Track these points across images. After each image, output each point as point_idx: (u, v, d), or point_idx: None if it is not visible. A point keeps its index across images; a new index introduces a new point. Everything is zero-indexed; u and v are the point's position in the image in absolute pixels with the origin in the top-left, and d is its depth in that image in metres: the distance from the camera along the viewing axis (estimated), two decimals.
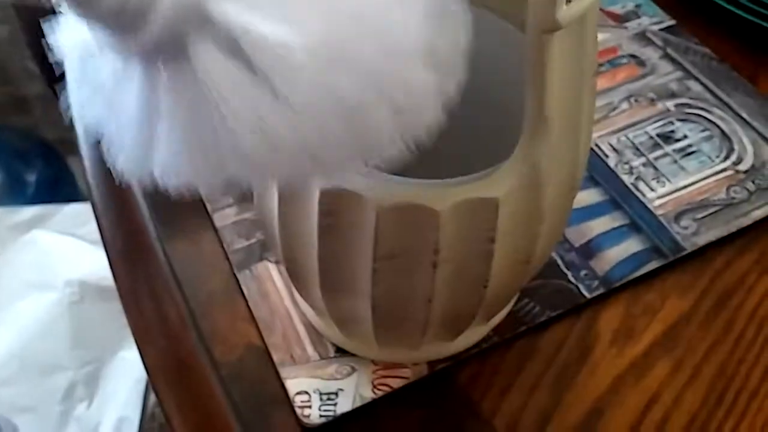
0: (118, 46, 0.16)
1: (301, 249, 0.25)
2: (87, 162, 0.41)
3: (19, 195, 0.93)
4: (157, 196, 0.38)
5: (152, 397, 0.59)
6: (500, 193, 0.22)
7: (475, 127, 0.28)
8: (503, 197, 0.22)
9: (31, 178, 0.96)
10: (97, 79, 0.18)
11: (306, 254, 0.25)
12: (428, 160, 0.30)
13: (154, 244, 0.36)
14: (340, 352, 0.31)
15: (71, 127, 0.42)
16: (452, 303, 0.25)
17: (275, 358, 0.31)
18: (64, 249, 0.66)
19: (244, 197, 0.37)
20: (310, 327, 0.32)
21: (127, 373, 0.61)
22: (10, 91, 1.08)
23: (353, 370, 0.31)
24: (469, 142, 0.28)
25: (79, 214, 0.70)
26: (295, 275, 0.27)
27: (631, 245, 0.35)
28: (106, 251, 0.37)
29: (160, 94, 0.16)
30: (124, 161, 0.18)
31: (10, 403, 0.60)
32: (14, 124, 1.08)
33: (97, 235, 0.39)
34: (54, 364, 0.61)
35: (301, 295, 0.29)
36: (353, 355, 0.31)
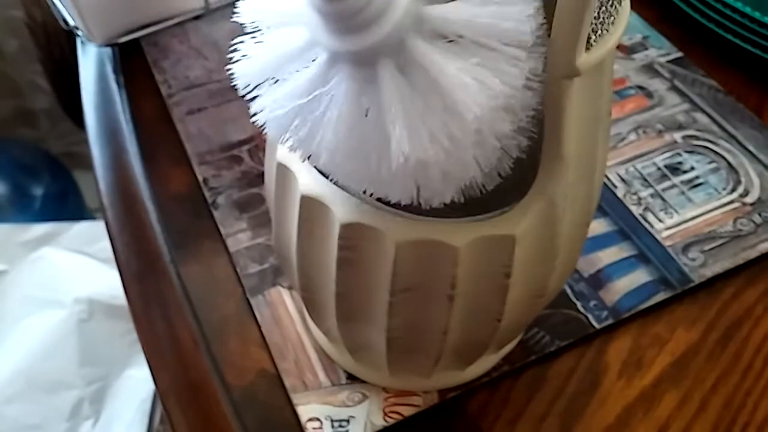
0: (338, 44, 0.18)
1: (319, 279, 0.26)
2: (102, 184, 0.41)
3: (26, 209, 0.94)
4: (171, 220, 0.38)
5: (158, 416, 0.59)
6: (517, 230, 0.22)
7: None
8: (520, 234, 0.22)
9: (38, 192, 0.96)
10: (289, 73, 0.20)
11: (323, 285, 0.25)
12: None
13: (168, 268, 0.36)
14: (352, 378, 0.32)
15: (80, 142, 0.42)
16: (466, 335, 0.26)
17: (287, 383, 0.32)
18: (74, 267, 0.66)
19: (258, 223, 0.37)
20: (322, 353, 0.33)
21: (133, 392, 0.61)
22: (18, 104, 1.09)
23: (365, 397, 0.31)
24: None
25: (89, 232, 0.71)
26: (310, 304, 0.28)
27: (640, 276, 0.36)
28: (120, 273, 0.38)
29: (364, 91, 0.19)
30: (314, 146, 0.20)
31: (16, 421, 0.60)
32: (21, 137, 1.09)
33: (106, 253, 0.39)
34: (61, 382, 0.61)
35: (315, 322, 0.30)
36: (364, 382, 0.32)
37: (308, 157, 0.21)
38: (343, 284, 0.25)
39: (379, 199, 0.23)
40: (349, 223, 0.23)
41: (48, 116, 1.14)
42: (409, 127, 0.18)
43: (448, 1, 0.18)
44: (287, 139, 0.21)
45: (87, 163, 0.43)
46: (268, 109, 0.20)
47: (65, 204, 0.98)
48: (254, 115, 0.21)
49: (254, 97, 0.21)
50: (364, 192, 0.22)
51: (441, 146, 0.18)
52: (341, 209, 0.23)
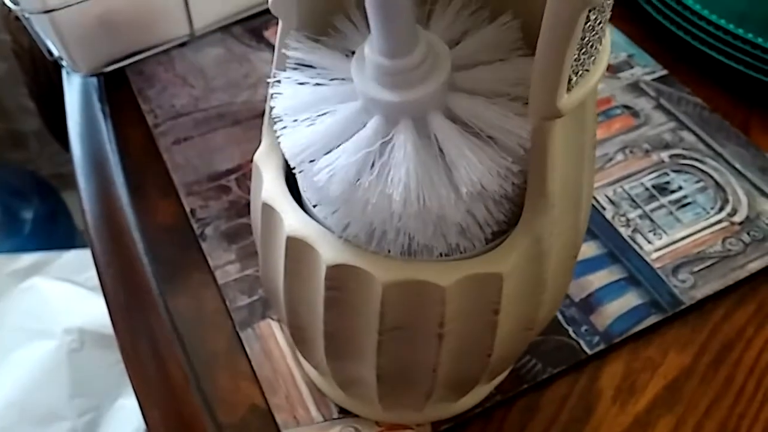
0: (394, 97, 0.21)
1: (307, 318, 0.25)
2: (89, 215, 0.41)
3: (15, 233, 0.93)
4: (159, 252, 0.38)
5: None
6: (504, 268, 0.22)
7: None
8: (507, 272, 0.22)
9: (28, 215, 0.96)
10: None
11: (311, 323, 0.25)
12: None
13: (156, 301, 0.36)
14: (344, 412, 0.32)
15: (69, 163, 0.42)
16: (457, 371, 0.26)
17: (278, 419, 0.31)
18: (63, 296, 0.66)
19: (247, 254, 0.37)
20: (313, 387, 0.32)
21: (126, 422, 0.60)
22: (7, 126, 1.09)
23: (357, 431, 0.31)
24: None
25: (78, 260, 0.70)
26: (299, 341, 0.27)
27: (631, 299, 0.36)
28: (108, 307, 0.37)
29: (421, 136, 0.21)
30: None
31: None
32: (10, 159, 1.08)
33: (96, 282, 0.39)
34: (53, 413, 0.61)
35: (304, 358, 0.30)
36: (357, 416, 0.31)
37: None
38: (331, 324, 0.25)
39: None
40: (336, 265, 0.23)
41: (37, 138, 1.14)
42: (467, 161, 0.20)
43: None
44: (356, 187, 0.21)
45: (76, 185, 0.42)
46: (331, 166, 0.21)
47: (55, 226, 0.97)
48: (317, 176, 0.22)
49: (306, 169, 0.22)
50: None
51: (493, 176, 0.20)
52: (327, 250, 0.23)
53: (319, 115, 0.22)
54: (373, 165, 0.21)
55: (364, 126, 0.21)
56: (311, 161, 0.22)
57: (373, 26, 0.20)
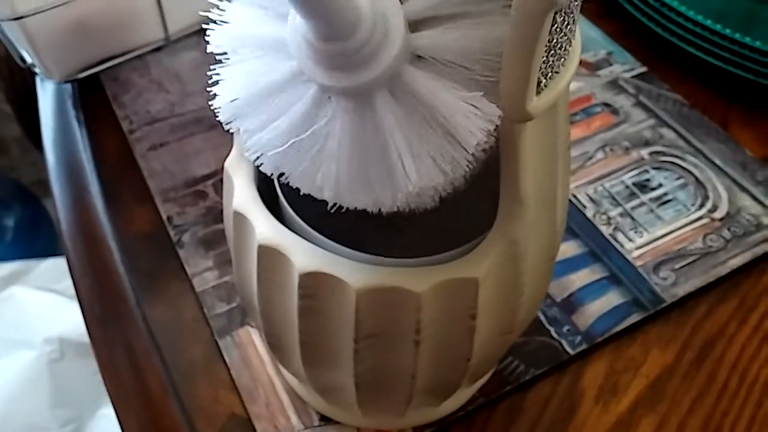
0: (334, 81, 0.18)
1: (282, 327, 0.25)
2: (64, 225, 0.40)
3: None
4: (136, 261, 0.37)
5: None
6: (480, 273, 0.22)
7: (452, 198, 0.29)
8: (483, 276, 0.22)
9: (9, 222, 0.94)
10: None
11: (287, 332, 0.25)
12: (402, 235, 0.30)
13: (133, 311, 0.36)
14: (325, 420, 0.31)
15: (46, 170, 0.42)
16: (436, 376, 0.25)
17: (258, 428, 0.31)
18: (43, 305, 0.65)
19: (224, 260, 0.37)
20: (293, 395, 0.32)
21: (108, 431, 0.59)
22: None
23: None
24: (445, 212, 0.28)
25: (57, 269, 0.69)
26: (276, 349, 0.27)
27: (612, 298, 0.35)
28: (84, 317, 0.37)
29: (363, 122, 0.19)
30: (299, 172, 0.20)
31: None
32: None
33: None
34: (35, 425, 0.60)
35: (282, 365, 0.29)
36: (338, 423, 0.31)
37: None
38: (306, 332, 0.24)
39: (338, 242, 0.23)
40: (308, 272, 0.22)
41: (18, 144, 1.12)
42: (414, 156, 0.18)
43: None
44: (286, 176, 0.20)
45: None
46: (263, 148, 0.20)
47: (37, 234, 0.96)
48: (249, 152, 0.21)
49: (238, 130, 0.21)
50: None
51: (443, 172, 0.19)
52: (300, 258, 0.22)
53: (256, 57, 0.20)
54: (367, 146, 0.19)
55: (301, 100, 0.19)
56: (245, 129, 0.20)
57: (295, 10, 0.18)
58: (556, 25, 0.17)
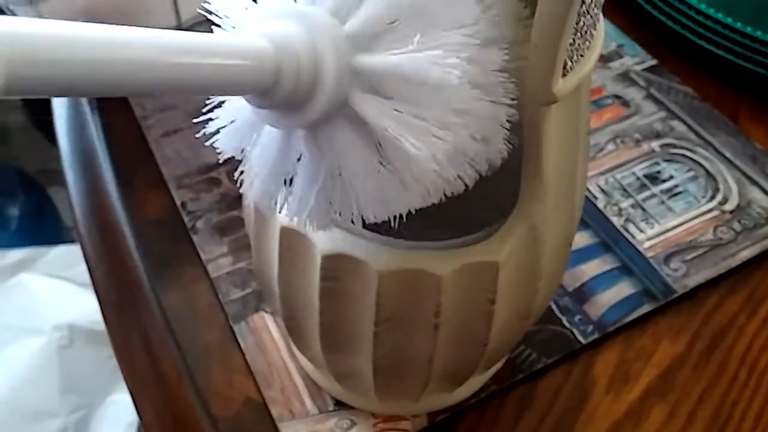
0: (284, 122, 0.18)
1: (302, 310, 0.25)
2: (78, 211, 0.41)
3: (2, 229, 0.92)
4: (150, 247, 0.38)
5: None
6: (500, 256, 0.22)
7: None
8: (503, 260, 0.22)
9: (14, 212, 0.95)
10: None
11: (306, 315, 0.25)
12: (424, 216, 0.30)
13: (148, 296, 0.36)
14: (340, 405, 0.31)
15: (55, 158, 0.42)
16: (453, 361, 0.25)
17: (273, 412, 0.31)
18: (52, 292, 0.65)
19: (239, 246, 0.37)
20: (308, 380, 0.32)
21: (117, 419, 0.60)
22: None
23: (353, 423, 0.31)
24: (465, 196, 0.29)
25: (67, 256, 0.70)
26: (294, 333, 0.27)
27: (623, 288, 0.36)
28: (100, 303, 0.37)
29: (322, 152, 0.18)
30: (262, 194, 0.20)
31: None
32: None
33: (85, 277, 0.38)
34: (44, 411, 0.60)
35: (299, 350, 0.29)
36: (353, 408, 0.31)
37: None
38: (326, 315, 0.24)
39: (364, 226, 0.23)
40: (331, 254, 0.22)
41: (21, 134, 1.12)
42: (367, 191, 0.18)
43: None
44: (276, 207, 0.20)
45: (63, 180, 0.42)
46: (251, 182, 0.20)
47: (42, 223, 0.96)
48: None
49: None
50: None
51: (400, 197, 0.18)
52: (322, 240, 0.23)
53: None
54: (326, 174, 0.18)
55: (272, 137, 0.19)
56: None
57: None
58: (584, 6, 0.17)
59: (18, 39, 0.12)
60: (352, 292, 0.23)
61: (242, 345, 0.33)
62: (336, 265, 0.23)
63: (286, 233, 0.23)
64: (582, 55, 0.20)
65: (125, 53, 0.14)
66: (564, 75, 0.19)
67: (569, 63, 0.19)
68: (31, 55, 0.12)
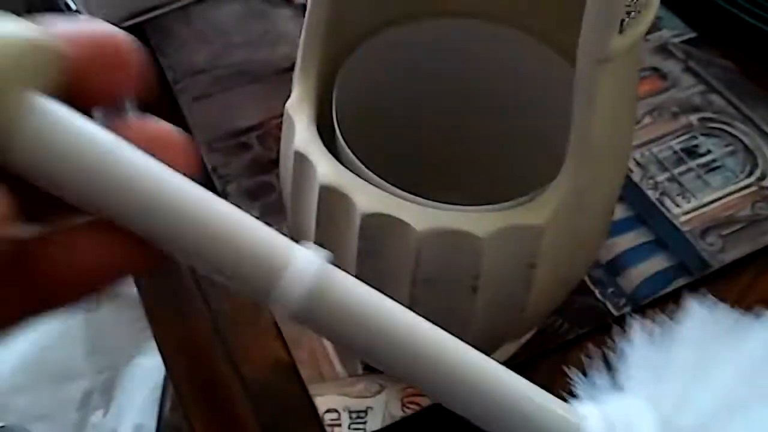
0: None
1: None
2: None
3: None
4: None
5: (168, 404, 0.59)
6: (543, 219, 0.22)
7: (511, 150, 0.28)
8: (547, 223, 0.22)
9: None
10: None
11: None
12: (464, 183, 0.30)
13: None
14: (369, 369, 0.31)
15: None
16: (488, 326, 0.25)
17: (303, 374, 0.31)
18: None
19: (270, 211, 0.37)
20: None
21: (143, 380, 0.60)
22: None
23: (382, 387, 0.31)
24: (504, 165, 0.28)
25: None
26: None
27: (658, 262, 0.35)
28: None
29: None
30: None
31: (25, 411, 0.59)
32: None
33: None
34: (70, 372, 0.61)
35: None
36: (382, 372, 0.31)
37: None
38: (364, 276, 0.24)
39: (404, 189, 0.23)
40: (371, 214, 0.22)
41: None
42: None
43: None
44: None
45: None
46: None
47: None
48: None
49: None
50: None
51: None
52: (363, 199, 0.22)
53: None
54: None
55: None
56: None
57: None
58: None
59: (332, 279, 0.13)
60: (390, 253, 0.23)
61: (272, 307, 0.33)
62: (376, 225, 0.22)
63: (326, 192, 0.23)
64: (639, 12, 0.19)
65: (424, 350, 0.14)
66: (620, 32, 0.19)
67: (626, 19, 0.18)
68: (335, 299, 0.13)
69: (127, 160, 0.12)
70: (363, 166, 0.23)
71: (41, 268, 0.13)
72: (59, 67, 0.13)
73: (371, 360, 0.14)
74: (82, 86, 0.13)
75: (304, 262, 0.13)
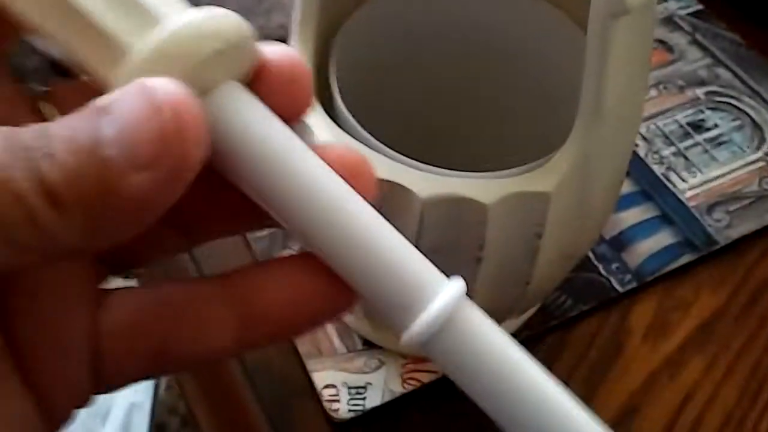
0: None
1: None
2: None
3: None
4: None
5: (164, 384, 0.58)
6: (551, 186, 0.21)
7: (518, 116, 0.27)
8: (554, 191, 0.21)
9: None
10: None
11: None
12: (470, 150, 0.29)
13: None
14: (368, 344, 0.31)
15: None
16: (492, 299, 0.24)
17: (301, 350, 0.30)
18: None
19: None
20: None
21: None
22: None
23: (381, 363, 0.30)
24: (510, 131, 0.27)
25: None
26: None
27: (663, 238, 0.34)
28: None
29: None
30: None
31: None
32: None
33: None
34: None
35: None
36: (381, 348, 0.30)
37: None
38: None
39: (406, 155, 0.22)
40: None
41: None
42: None
43: None
44: None
45: None
46: None
47: None
48: None
49: None
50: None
51: None
52: None
53: None
54: None
55: None
56: None
57: None
58: None
59: (467, 320, 0.13)
60: (392, 220, 0.22)
61: None
62: (378, 192, 0.21)
63: None
64: None
65: None
66: None
67: None
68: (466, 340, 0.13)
69: (324, 184, 0.13)
70: (364, 132, 0.22)
71: (247, 298, 0.14)
72: (251, 67, 0.13)
73: (486, 405, 0.13)
74: (267, 102, 0.13)
75: (444, 302, 0.13)
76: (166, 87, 0.11)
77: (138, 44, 0.12)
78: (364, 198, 0.13)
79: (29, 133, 0.11)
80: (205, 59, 0.12)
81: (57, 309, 0.13)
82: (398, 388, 0.29)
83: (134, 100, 0.11)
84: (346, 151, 0.14)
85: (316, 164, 0.13)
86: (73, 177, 0.11)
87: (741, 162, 0.37)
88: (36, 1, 0.12)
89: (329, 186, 0.13)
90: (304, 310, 0.14)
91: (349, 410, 0.29)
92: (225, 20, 0.12)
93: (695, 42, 0.43)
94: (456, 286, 0.13)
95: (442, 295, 0.13)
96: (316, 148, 0.13)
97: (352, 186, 0.13)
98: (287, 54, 0.13)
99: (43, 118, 0.14)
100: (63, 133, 0.11)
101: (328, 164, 0.13)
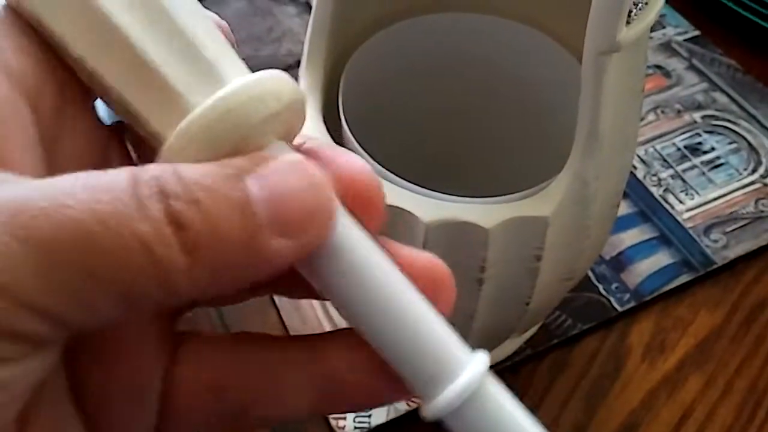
0: None
1: None
2: None
3: None
4: None
5: None
6: (549, 211, 0.22)
7: (516, 144, 0.28)
8: (553, 215, 0.22)
9: None
10: None
11: None
12: (469, 176, 0.30)
13: None
14: None
15: None
16: (493, 319, 0.25)
17: None
18: None
19: None
20: None
21: None
22: None
23: None
24: (510, 158, 0.28)
25: None
26: None
27: (662, 258, 0.35)
28: None
29: None
30: None
31: None
32: None
33: None
34: None
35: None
36: None
37: None
38: None
39: (409, 181, 0.23)
40: None
41: None
42: None
43: None
44: None
45: None
46: None
47: None
48: None
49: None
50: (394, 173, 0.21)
51: None
52: None
53: None
54: None
55: None
56: None
57: None
58: None
59: (488, 396, 0.13)
60: None
61: (277, 302, 0.33)
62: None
63: None
64: (646, 4, 0.19)
65: None
66: (628, 23, 0.19)
67: (633, 10, 0.19)
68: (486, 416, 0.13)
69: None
70: (370, 158, 0.23)
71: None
72: (300, 128, 0.13)
73: None
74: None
75: (469, 378, 0.13)
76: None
77: (203, 100, 0.12)
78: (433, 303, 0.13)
79: (159, 174, 0.10)
80: (264, 119, 0.12)
81: (131, 356, 0.13)
82: (403, 406, 0.30)
83: (288, 169, 0.11)
84: (431, 263, 0.13)
85: (396, 280, 0.13)
86: (217, 228, 0.10)
87: (737, 184, 0.38)
88: (99, 48, 0.12)
89: (402, 298, 0.13)
90: (381, 384, 0.13)
91: (355, 427, 0.29)
92: (283, 83, 0.12)
93: (692, 67, 0.44)
94: (480, 360, 0.13)
95: (467, 371, 0.13)
96: (399, 257, 0.13)
97: (428, 297, 0.13)
98: (364, 173, 0.13)
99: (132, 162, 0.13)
100: (203, 181, 0.10)
101: (413, 275, 0.13)
